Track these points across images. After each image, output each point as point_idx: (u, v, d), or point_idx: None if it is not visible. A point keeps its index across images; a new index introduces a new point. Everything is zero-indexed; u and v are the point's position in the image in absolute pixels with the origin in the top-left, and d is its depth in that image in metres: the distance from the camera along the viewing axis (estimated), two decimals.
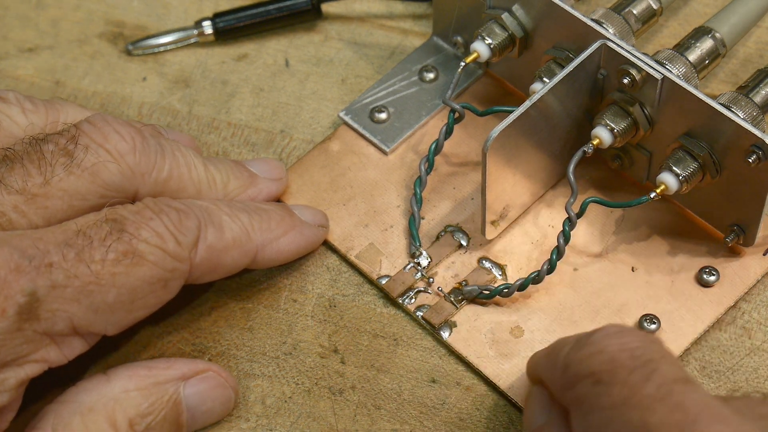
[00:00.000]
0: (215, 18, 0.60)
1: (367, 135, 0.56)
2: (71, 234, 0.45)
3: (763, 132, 0.48)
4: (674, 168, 0.50)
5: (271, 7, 0.60)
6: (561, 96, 0.51)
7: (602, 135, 0.51)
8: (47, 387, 0.46)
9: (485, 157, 0.49)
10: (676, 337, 0.50)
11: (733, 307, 0.52)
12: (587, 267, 0.53)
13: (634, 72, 0.50)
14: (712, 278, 0.52)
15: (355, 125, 0.57)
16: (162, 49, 0.61)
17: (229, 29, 0.60)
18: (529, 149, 0.51)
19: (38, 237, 0.45)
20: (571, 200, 0.51)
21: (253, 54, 0.61)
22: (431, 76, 0.58)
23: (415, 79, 0.58)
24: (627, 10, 0.53)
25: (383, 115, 0.57)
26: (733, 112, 0.50)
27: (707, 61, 0.53)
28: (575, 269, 0.53)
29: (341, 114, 0.57)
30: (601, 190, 0.55)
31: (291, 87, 0.59)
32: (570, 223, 0.50)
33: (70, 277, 0.44)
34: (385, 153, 0.56)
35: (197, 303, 0.53)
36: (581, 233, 0.53)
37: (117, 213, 0.46)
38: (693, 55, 0.52)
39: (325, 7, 0.61)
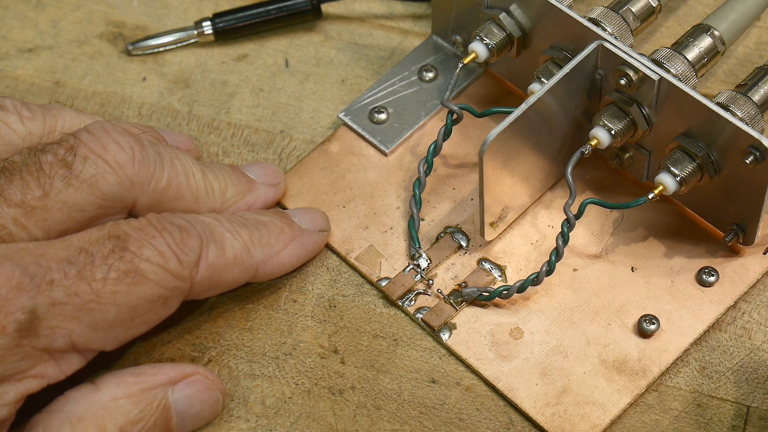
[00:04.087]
0: (215, 18, 0.60)
1: (367, 136, 0.56)
2: (73, 251, 0.45)
3: (761, 132, 0.48)
4: (672, 168, 0.50)
5: (271, 7, 0.60)
6: (558, 97, 0.50)
7: (600, 135, 0.51)
8: (36, 396, 0.46)
9: (482, 160, 0.49)
10: (675, 338, 0.50)
11: (733, 307, 0.52)
12: (586, 268, 0.53)
13: (630, 73, 0.50)
14: (712, 278, 0.52)
15: (355, 126, 0.57)
16: (162, 49, 0.61)
17: (229, 29, 0.60)
18: (526, 151, 0.51)
19: (40, 253, 0.45)
20: (570, 201, 0.51)
21: (253, 54, 0.61)
22: (430, 75, 0.58)
23: (414, 79, 0.58)
24: (625, 8, 0.53)
25: (383, 116, 0.57)
26: (731, 111, 0.50)
27: (706, 60, 0.53)
28: (574, 270, 0.53)
29: (340, 115, 0.57)
30: (599, 190, 0.55)
31: (291, 87, 0.59)
32: (568, 224, 0.50)
33: (71, 294, 0.44)
34: (384, 154, 0.56)
35: (197, 303, 0.53)
36: (580, 234, 0.53)
37: (120, 229, 0.46)
38: (691, 54, 0.52)
39: (325, 7, 0.61)
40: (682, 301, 0.51)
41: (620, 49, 0.50)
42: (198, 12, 0.62)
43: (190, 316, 0.52)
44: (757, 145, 0.47)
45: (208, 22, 0.60)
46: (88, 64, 0.60)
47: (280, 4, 0.60)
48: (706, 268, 0.52)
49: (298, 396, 0.50)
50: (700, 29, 0.53)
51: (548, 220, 0.54)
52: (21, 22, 0.62)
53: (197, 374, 0.48)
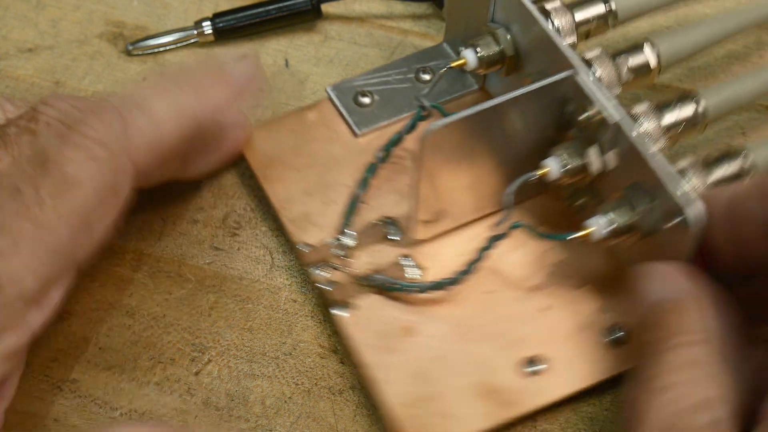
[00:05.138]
0: (215, 18, 0.60)
1: (344, 113, 0.56)
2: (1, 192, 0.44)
3: (689, 202, 0.46)
4: (603, 217, 0.48)
5: (271, 7, 0.60)
6: (521, 112, 0.50)
7: (551, 166, 0.49)
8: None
9: (421, 150, 0.48)
10: (561, 384, 0.49)
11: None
12: (504, 293, 0.51)
13: (591, 110, 0.48)
14: (619, 336, 0.50)
15: (337, 102, 0.57)
16: (162, 49, 0.61)
17: (229, 29, 0.60)
18: (478, 160, 0.50)
19: None
20: (502, 220, 0.50)
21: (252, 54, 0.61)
22: (427, 77, 0.58)
23: (410, 77, 0.58)
24: (622, 57, 0.52)
25: (366, 100, 0.57)
26: (680, 178, 0.48)
27: (680, 129, 0.51)
28: (491, 291, 0.52)
29: (328, 89, 0.57)
30: (552, 222, 0.53)
31: (291, 87, 0.59)
32: (494, 240, 0.50)
33: (20, 237, 0.43)
34: (355, 135, 0.56)
35: (197, 303, 0.53)
36: (515, 259, 0.52)
37: (35, 147, 0.45)
38: (668, 117, 0.51)
39: (325, 7, 0.61)
40: (582, 351, 0.50)
41: (590, 85, 0.49)
42: (198, 12, 0.62)
43: (190, 316, 0.52)
44: (678, 210, 0.46)
45: (208, 22, 0.60)
46: (88, 64, 0.60)
47: (280, 4, 0.60)
48: (619, 325, 0.50)
49: (298, 396, 0.50)
50: (688, 96, 0.52)
51: (487, 240, 0.52)
52: (21, 22, 0.62)
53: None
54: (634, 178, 0.48)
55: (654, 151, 0.47)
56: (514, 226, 0.50)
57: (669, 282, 0.45)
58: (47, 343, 0.51)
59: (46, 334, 0.51)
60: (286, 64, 0.60)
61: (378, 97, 0.57)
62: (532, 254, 0.53)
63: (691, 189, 0.49)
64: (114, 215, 0.47)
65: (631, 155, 0.48)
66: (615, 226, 0.48)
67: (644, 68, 0.53)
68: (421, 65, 0.58)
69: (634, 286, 0.46)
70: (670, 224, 0.46)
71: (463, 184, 0.51)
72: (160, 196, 0.55)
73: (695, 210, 0.45)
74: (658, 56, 0.53)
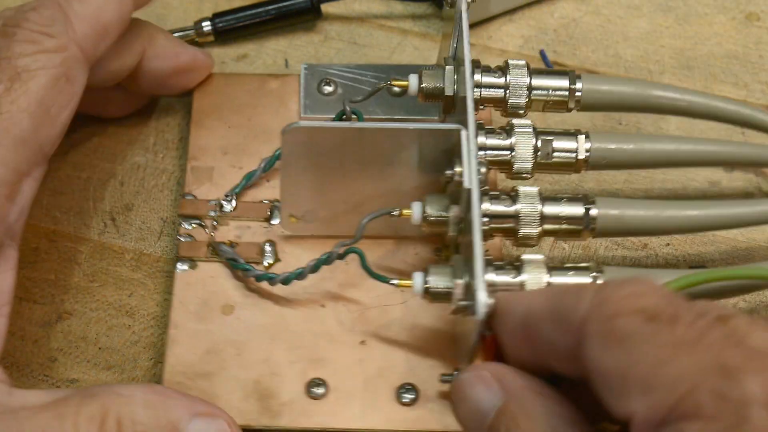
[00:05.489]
0: (215, 18, 0.60)
1: (301, 93, 0.56)
2: None
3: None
4: (429, 275, 0.47)
5: (270, 7, 0.60)
6: (412, 148, 0.49)
7: (415, 209, 0.48)
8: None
9: (282, 141, 0.48)
10: (327, 414, 0.48)
11: None
12: (331, 312, 0.50)
13: (455, 169, 0.47)
14: (409, 398, 0.48)
15: (302, 80, 0.57)
16: None
17: (229, 29, 0.60)
18: (355, 178, 0.50)
19: None
20: (346, 242, 0.49)
21: (252, 54, 0.61)
22: (396, 89, 0.56)
23: (381, 84, 0.56)
24: (549, 137, 0.50)
25: (329, 89, 0.57)
26: (488, 267, 0.45)
27: (558, 227, 0.48)
28: (322, 306, 0.51)
29: (303, 65, 0.57)
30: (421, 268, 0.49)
31: None
32: (329, 255, 0.49)
33: None
34: (300, 117, 0.56)
35: None
36: (364, 287, 0.51)
37: None
38: (551, 208, 0.48)
39: (325, 7, 0.61)
40: (369, 395, 0.49)
41: (467, 144, 0.47)
42: (198, 12, 0.62)
43: None
44: (471, 295, 0.44)
45: (208, 22, 0.60)
46: None
47: (280, 4, 0.60)
48: (410, 385, 0.49)
49: None
50: (582, 199, 0.49)
51: (352, 258, 0.50)
52: None
53: (223, 418, 0.46)
54: (469, 250, 0.45)
55: (479, 232, 0.45)
56: (350, 251, 0.49)
57: (492, 388, 0.42)
58: (47, 343, 0.51)
59: (45, 334, 0.51)
60: (286, 65, 0.60)
61: (341, 91, 0.57)
62: (382, 289, 0.50)
63: (503, 282, 0.46)
64: (72, 104, 0.48)
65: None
66: (431, 286, 0.47)
67: (569, 154, 0.50)
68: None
69: (455, 398, 0.44)
70: (462, 305, 0.45)
71: (334, 194, 0.51)
72: (160, 197, 0.55)
73: (479, 302, 0.43)
74: (587, 152, 0.50)
